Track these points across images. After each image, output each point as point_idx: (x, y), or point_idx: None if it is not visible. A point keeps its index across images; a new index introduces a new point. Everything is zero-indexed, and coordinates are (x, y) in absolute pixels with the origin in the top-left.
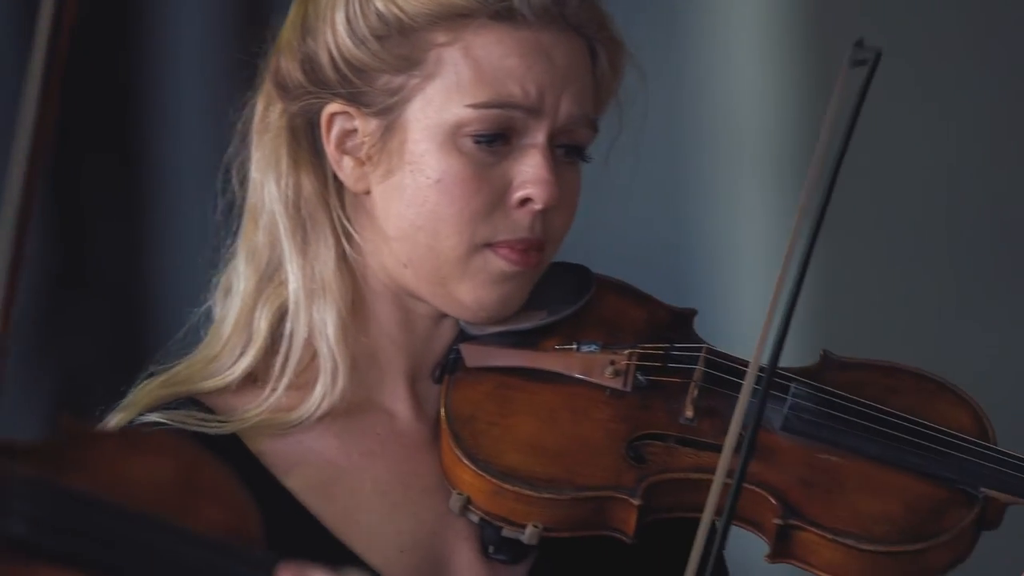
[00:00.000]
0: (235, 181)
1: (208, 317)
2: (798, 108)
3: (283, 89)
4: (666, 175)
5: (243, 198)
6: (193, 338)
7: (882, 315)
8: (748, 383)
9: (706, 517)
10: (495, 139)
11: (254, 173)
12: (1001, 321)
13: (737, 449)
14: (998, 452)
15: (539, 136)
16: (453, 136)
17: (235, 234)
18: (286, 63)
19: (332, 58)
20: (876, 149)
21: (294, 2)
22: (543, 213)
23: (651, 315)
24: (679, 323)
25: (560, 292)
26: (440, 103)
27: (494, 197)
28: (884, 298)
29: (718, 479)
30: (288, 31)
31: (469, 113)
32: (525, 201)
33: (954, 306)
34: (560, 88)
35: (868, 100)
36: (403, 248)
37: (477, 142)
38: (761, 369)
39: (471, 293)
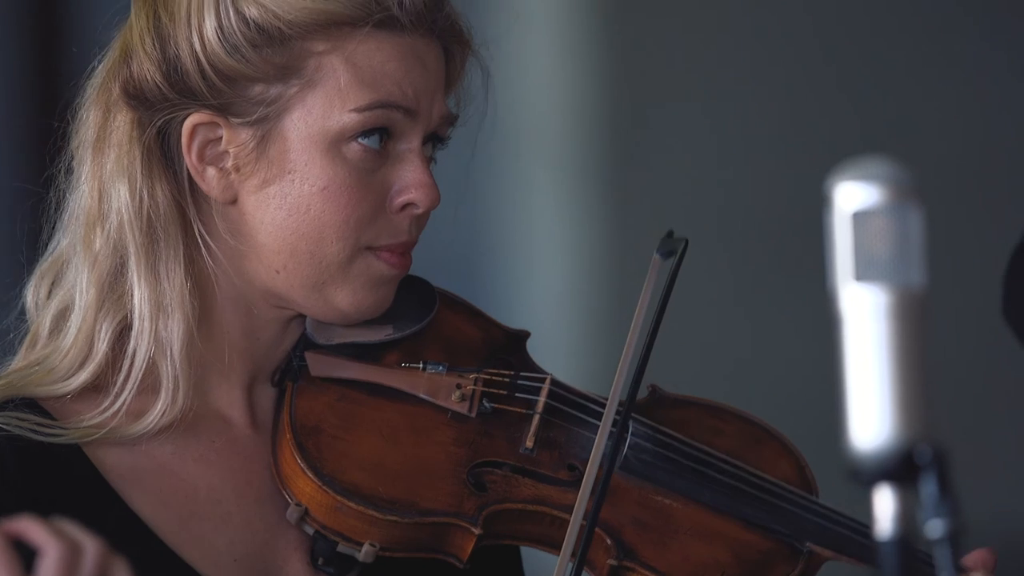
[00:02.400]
0: (61, 185)
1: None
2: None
3: (136, 99)
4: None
5: (57, 203)
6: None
7: (707, 349)
8: (607, 419)
9: (563, 559)
10: (378, 142)
11: (94, 182)
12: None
13: (585, 487)
14: (823, 507)
15: (415, 140)
16: (337, 143)
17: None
18: (140, 71)
19: (200, 67)
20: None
21: (135, 8)
22: (422, 216)
23: (487, 335)
24: (515, 345)
25: (405, 306)
26: (322, 110)
27: (377, 202)
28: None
29: (575, 519)
30: (136, 38)
31: (353, 117)
32: (407, 205)
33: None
34: (433, 92)
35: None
36: (278, 255)
37: (360, 145)
38: (619, 407)
39: (350, 297)
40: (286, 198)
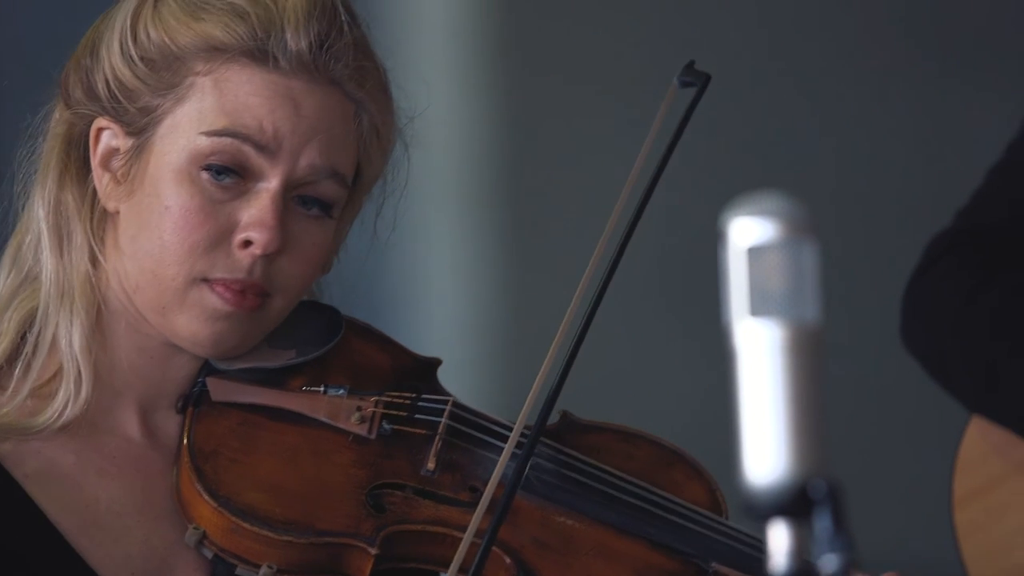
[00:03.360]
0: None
1: None
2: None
3: (65, 99)
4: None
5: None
6: None
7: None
8: (512, 440)
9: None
10: (226, 173)
11: (31, 169)
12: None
13: (482, 507)
14: (730, 528)
15: (274, 181)
16: (188, 165)
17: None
18: (72, 74)
19: (105, 75)
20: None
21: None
22: (267, 259)
23: (396, 361)
24: (424, 372)
25: (309, 333)
26: (181, 129)
27: (218, 234)
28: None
29: (468, 535)
30: (80, 45)
31: (202, 141)
32: (247, 243)
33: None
34: (304, 137)
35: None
36: (133, 271)
37: (209, 173)
38: (526, 430)
39: (187, 326)
40: (140, 213)
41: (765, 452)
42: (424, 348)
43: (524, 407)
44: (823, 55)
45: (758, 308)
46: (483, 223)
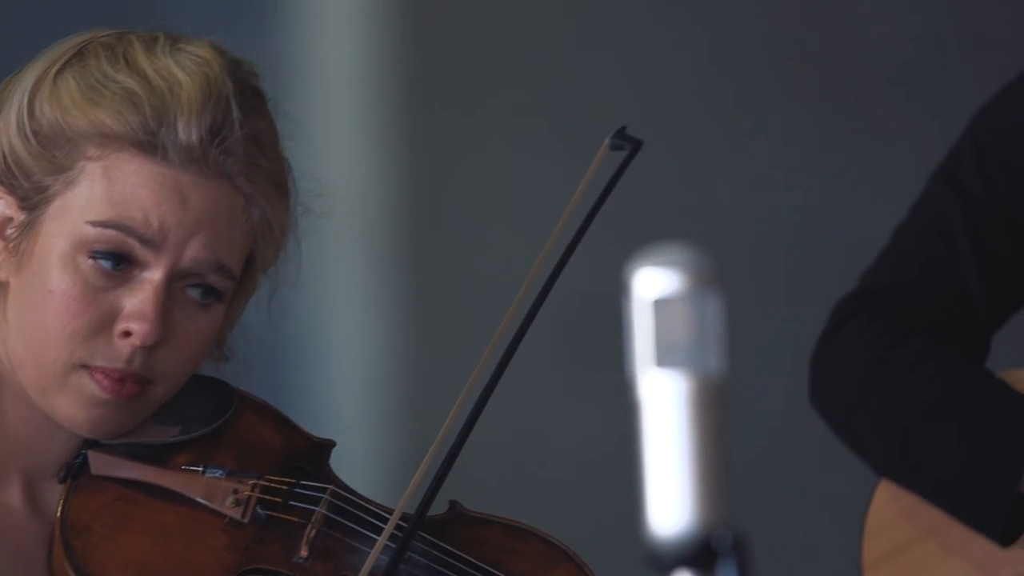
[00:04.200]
0: None
1: None
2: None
3: None
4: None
5: None
6: None
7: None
8: (385, 533)
9: None
10: (111, 260)
11: None
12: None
13: None
14: None
15: (157, 273)
16: (74, 251)
17: None
18: None
19: (1, 146)
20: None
21: None
22: (147, 349)
23: (288, 442)
24: (316, 454)
25: (199, 410)
26: (69, 214)
27: (100, 321)
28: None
29: None
30: None
31: (88, 230)
32: (127, 333)
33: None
34: (191, 231)
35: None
36: (18, 347)
37: (94, 260)
38: (398, 522)
39: (66, 409)
40: (26, 292)
41: (669, 503)
42: (328, 408)
43: (402, 498)
44: (726, 99)
45: (662, 359)
46: (390, 283)
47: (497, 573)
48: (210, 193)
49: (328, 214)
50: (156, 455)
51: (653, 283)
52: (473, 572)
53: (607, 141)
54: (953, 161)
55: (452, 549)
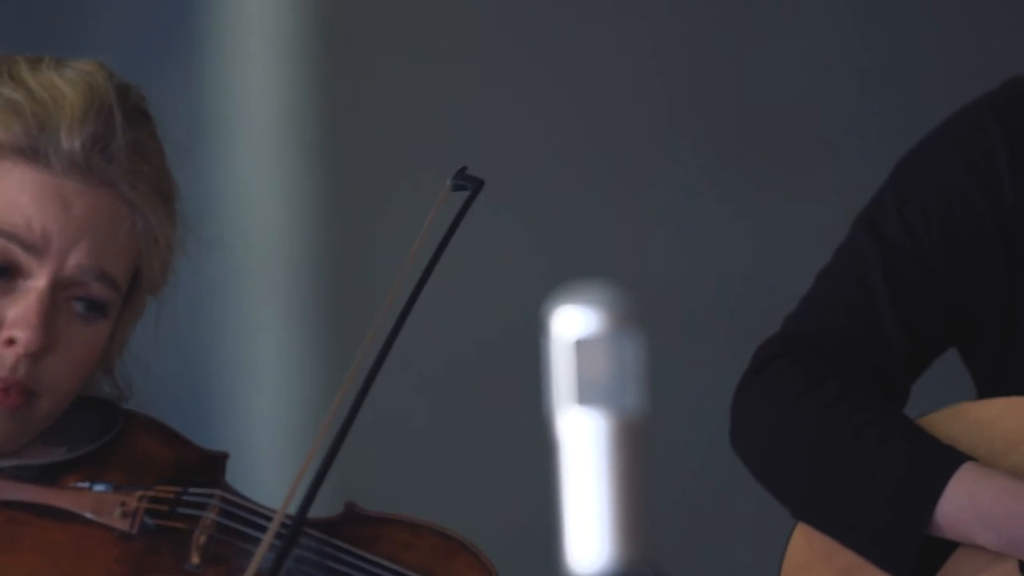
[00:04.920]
0: None
1: None
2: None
3: None
4: (203, 298)
5: None
6: None
7: (395, 457)
8: (270, 533)
9: None
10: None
11: None
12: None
13: None
14: None
15: (41, 280)
16: None
17: None
18: None
19: None
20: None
21: None
22: (32, 358)
23: (180, 456)
24: (208, 466)
25: (86, 429)
26: None
27: None
28: (396, 441)
29: None
30: None
31: None
32: (11, 341)
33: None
34: (73, 237)
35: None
36: None
37: None
38: (285, 521)
39: None
40: None
41: (590, 542)
42: (244, 441)
43: (285, 497)
44: (646, 137)
45: (582, 398)
46: (309, 318)
47: (392, 566)
48: (93, 200)
49: (220, 243)
50: (44, 475)
51: (573, 322)
52: (368, 567)
53: (448, 182)
54: (874, 208)
55: (346, 546)
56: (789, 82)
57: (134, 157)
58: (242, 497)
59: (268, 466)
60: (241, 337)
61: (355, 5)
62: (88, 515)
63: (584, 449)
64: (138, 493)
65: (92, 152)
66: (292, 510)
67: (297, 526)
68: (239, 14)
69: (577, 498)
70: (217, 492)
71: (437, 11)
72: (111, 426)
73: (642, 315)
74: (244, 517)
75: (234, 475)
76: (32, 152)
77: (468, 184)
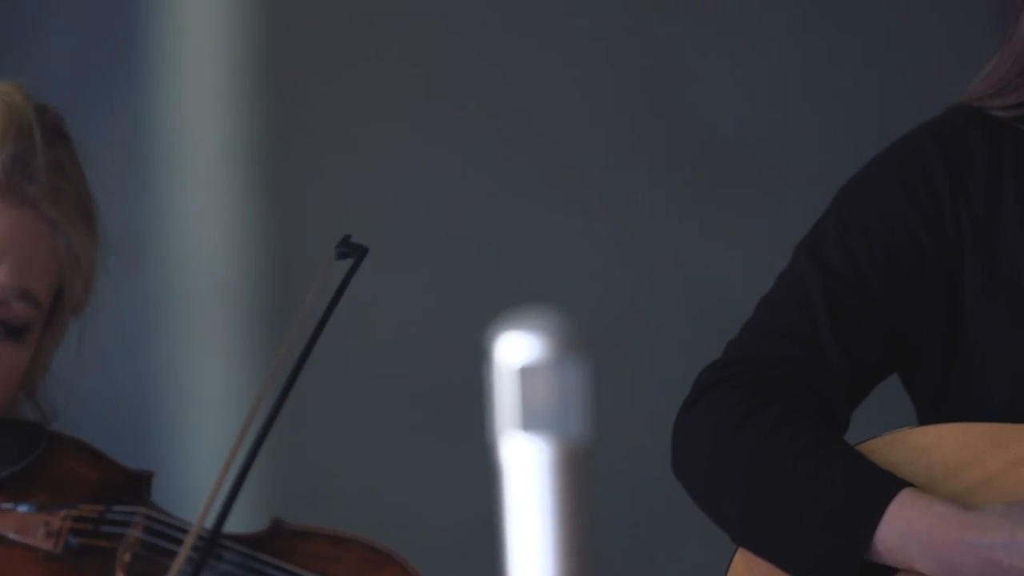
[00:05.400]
0: None
1: None
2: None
3: None
4: (133, 326)
5: None
6: None
7: (336, 483)
8: (185, 548)
9: None
10: None
11: None
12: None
13: None
14: None
15: None
16: None
17: None
18: None
19: None
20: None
21: None
22: None
23: (105, 476)
24: (134, 485)
25: (9, 451)
26: None
27: None
28: (337, 466)
29: None
30: None
31: None
32: None
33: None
34: None
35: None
36: None
37: None
38: (202, 536)
39: None
40: None
41: (532, 567)
42: (177, 461)
43: (200, 512)
44: (588, 165)
45: (526, 425)
46: (250, 348)
47: None
48: (14, 219)
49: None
50: None
51: (517, 348)
52: None
53: (332, 251)
54: (816, 235)
55: (272, 560)
56: (734, 106)
57: (54, 176)
58: (167, 514)
59: (200, 485)
60: (172, 357)
61: (296, 33)
62: (12, 536)
63: (527, 476)
64: (62, 513)
65: (12, 171)
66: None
67: (212, 539)
68: (180, 39)
69: (520, 525)
70: (141, 510)
71: (379, 39)
72: (35, 447)
73: (586, 341)
74: (169, 534)
75: (167, 495)
76: None
77: (351, 252)
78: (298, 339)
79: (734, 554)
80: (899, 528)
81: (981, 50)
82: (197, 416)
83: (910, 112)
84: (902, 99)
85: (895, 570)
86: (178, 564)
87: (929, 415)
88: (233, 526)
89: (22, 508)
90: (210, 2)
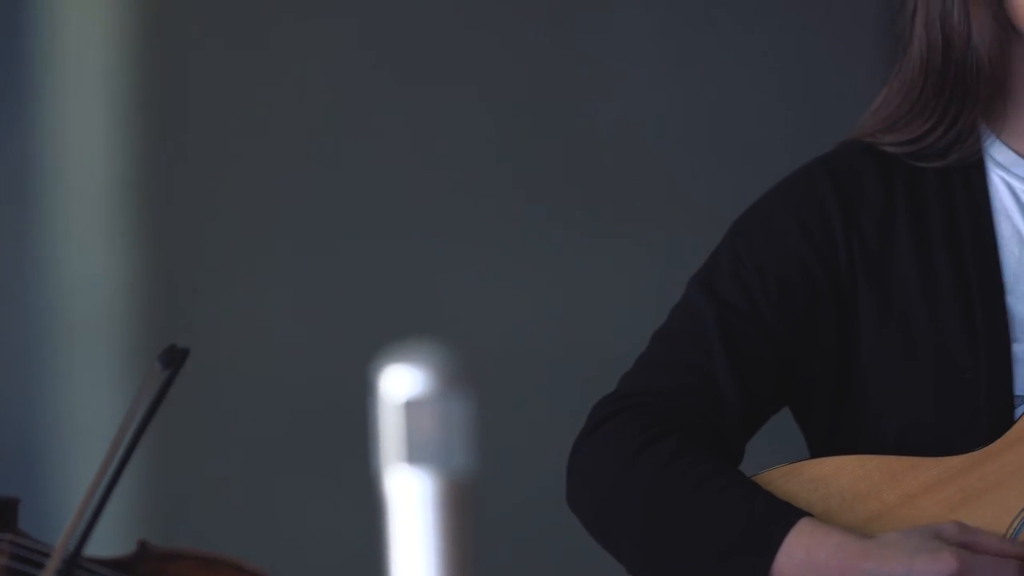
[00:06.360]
0: None
1: None
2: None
3: None
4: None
5: None
6: None
7: (215, 513)
8: (47, 573)
9: None
10: None
11: None
12: None
13: None
14: None
15: None
16: None
17: None
18: None
19: None
20: None
21: None
22: None
23: None
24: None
25: None
26: None
27: None
28: (217, 495)
29: None
30: None
31: None
32: None
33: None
34: None
35: None
36: None
37: None
38: (65, 560)
39: None
40: None
41: None
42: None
43: (63, 537)
44: (478, 203)
45: (411, 458)
46: (120, 373)
47: None
48: None
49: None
50: None
51: (402, 381)
52: None
53: (155, 362)
54: (711, 267)
55: None
56: (623, 138)
57: None
58: (35, 541)
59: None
60: (45, 386)
61: (180, 69)
62: None
63: (412, 509)
64: None
65: None
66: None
67: (71, 562)
68: (62, 74)
69: (404, 558)
70: (7, 536)
71: (263, 75)
72: None
73: (471, 374)
74: (35, 560)
75: (41, 522)
76: None
77: (172, 359)
78: (117, 445)
79: None
80: (797, 558)
81: (873, 88)
82: (69, 444)
83: (804, 143)
84: (799, 128)
85: None
86: None
87: (821, 449)
88: (103, 550)
89: None
90: (93, 38)
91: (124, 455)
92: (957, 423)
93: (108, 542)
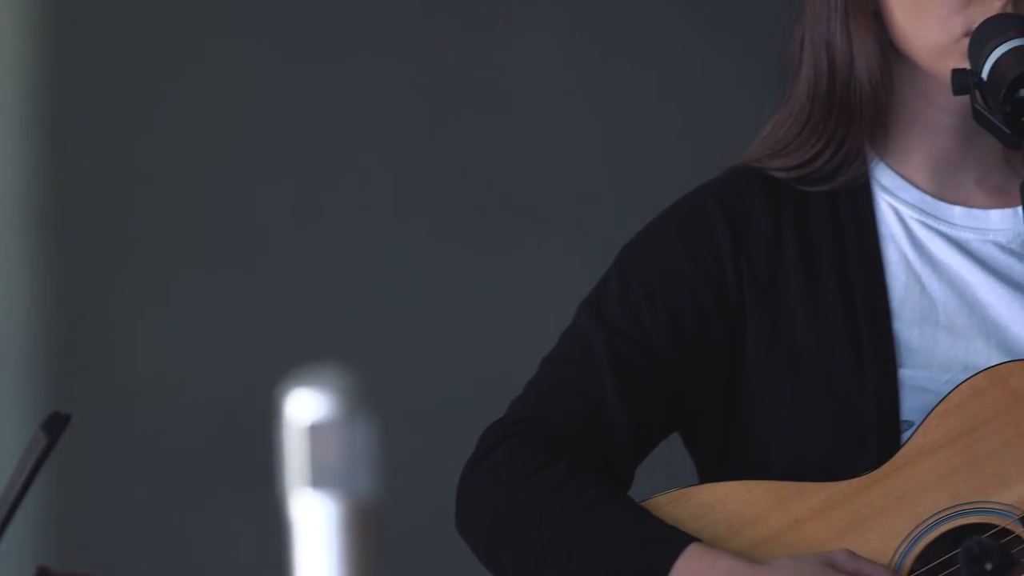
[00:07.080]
0: None
1: None
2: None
3: None
4: None
5: None
6: None
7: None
8: None
9: None
10: None
11: None
12: None
13: None
14: None
15: None
16: None
17: None
18: None
19: None
20: None
21: None
22: None
23: None
24: None
25: None
26: None
27: None
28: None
29: None
30: None
31: None
32: None
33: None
34: None
35: None
36: None
37: None
38: None
39: None
40: None
41: None
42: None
43: None
44: (390, 228)
45: (315, 482)
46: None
47: None
48: None
49: None
50: None
51: (307, 406)
52: None
53: (39, 430)
54: (600, 293)
55: None
56: (515, 166)
57: None
58: None
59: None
60: None
61: (85, 93)
62: None
63: (317, 532)
64: None
65: None
66: None
67: None
68: None
69: None
70: None
71: (173, 96)
72: None
73: (375, 399)
74: None
75: None
76: None
77: (54, 427)
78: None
79: None
80: None
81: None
82: None
83: (696, 166)
84: (690, 151)
85: None
86: None
87: (710, 474)
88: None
89: None
90: None
91: (5, 519)
92: (844, 448)
93: (6, 569)
